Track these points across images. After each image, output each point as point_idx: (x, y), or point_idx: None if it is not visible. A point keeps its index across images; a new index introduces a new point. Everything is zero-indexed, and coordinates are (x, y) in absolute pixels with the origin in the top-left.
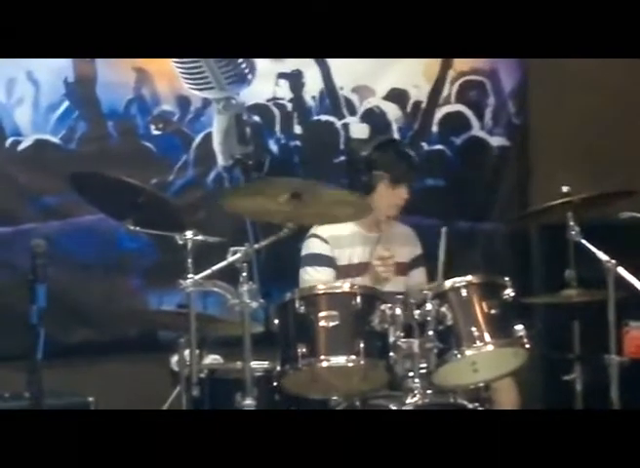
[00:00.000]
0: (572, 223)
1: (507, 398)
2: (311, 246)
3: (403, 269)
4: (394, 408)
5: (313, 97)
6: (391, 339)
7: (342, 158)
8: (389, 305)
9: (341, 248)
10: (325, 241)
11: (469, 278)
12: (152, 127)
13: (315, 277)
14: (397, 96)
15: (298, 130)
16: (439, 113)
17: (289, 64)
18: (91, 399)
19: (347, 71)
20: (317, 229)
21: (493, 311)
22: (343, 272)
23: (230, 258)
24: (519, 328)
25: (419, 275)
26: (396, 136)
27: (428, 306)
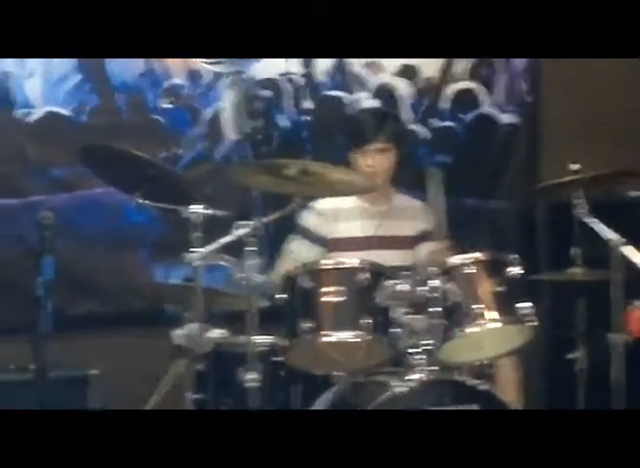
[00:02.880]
0: (580, 201)
1: (508, 376)
2: (305, 218)
3: (408, 243)
4: (398, 383)
5: (324, 73)
6: (396, 315)
7: None
8: (395, 281)
9: (341, 221)
10: (320, 214)
11: (476, 255)
12: (162, 100)
13: (294, 249)
14: (408, 71)
15: (308, 105)
16: (449, 89)
17: None
18: (96, 371)
19: None
20: (316, 202)
21: (499, 288)
22: (342, 246)
23: (237, 233)
24: (524, 305)
25: (425, 249)
26: (406, 112)
27: (434, 283)
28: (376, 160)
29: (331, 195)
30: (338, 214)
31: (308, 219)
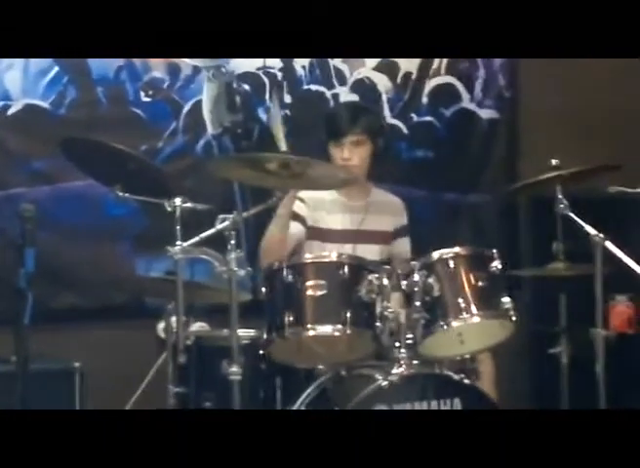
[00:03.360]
0: (560, 197)
1: (489, 370)
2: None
3: (386, 238)
4: (380, 377)
5: (303, 67)
6: (378, 309)
7: None
8: (377, 275)
9: (321, 211)
10: (303, 201)
11: (457, 249)
12: (142, 93)
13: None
14: (387, 66)
15: (287, 99)
16: (429, 85)
17: None
18: (77, 364)
19: None
20: (301, 192)
21: (480, 283)
22: (322, 236)
23: (219, 226)
24: (506, 300)
25: (402, 245)
26: (386, 107)
27: (415, 277)
28: (351, 152)
29: (311, 188)
30: (319, 204)
31: (295, 205)
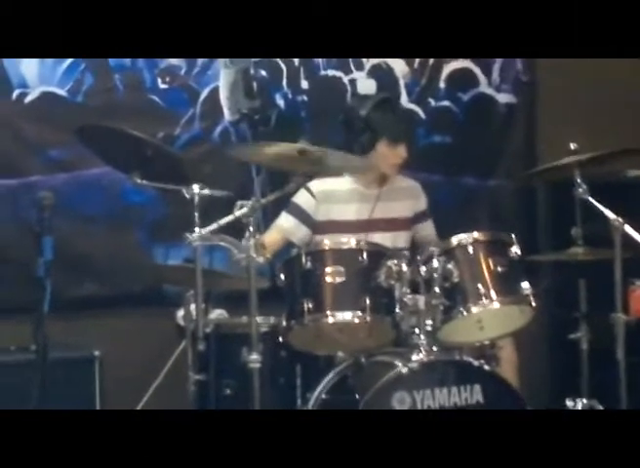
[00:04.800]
0: (579, 181)
1: (509, 356)
2: (298, 195)
3: (406, 224)
4: (399, 364)
5: None
6: (397, 296)
7: None
8: (395, 261)
9: (334, 203)
10: (312, 195)
11: (476, 235)
12: (159, 80)
13: (281, 223)
14: None
15: (305, 85)
16: (446, 69)
17: None
18: (97, 352)
19: None
20: (312, 183)
21: (499, 268)
22: (336, 228)
23: (237, 213)
24: (525, 285)
25: (426, 228)
26: (403, 92)
27: (435, 263)
28: (404, 152)
29: (332, 173)
30: (332, 196)
31: (301, 198)
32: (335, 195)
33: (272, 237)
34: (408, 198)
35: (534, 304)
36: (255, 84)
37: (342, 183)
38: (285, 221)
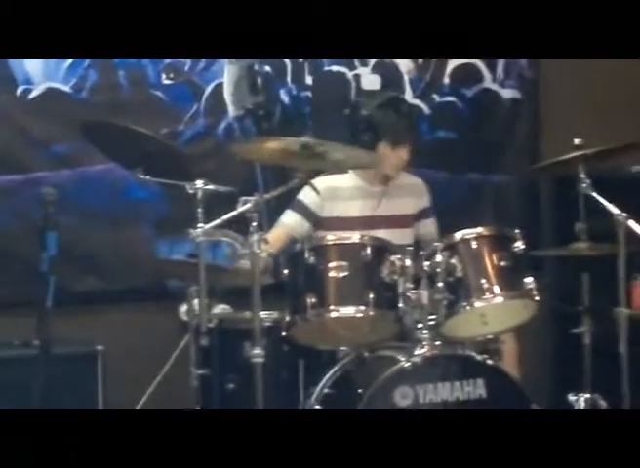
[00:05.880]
0: (583, 176)
1: (513, 350)
2: (302, 193)
3: (409, 221)
4: (402, 358)
5: None
6: (400, 290)
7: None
8: (399, 256)
9: (339, 200)
10: (317, 192)
11: (479, 230)
12: (163, 76)
13: (285, 220)
14: None
15: (309, 80)
16: (451, 65)
17: None
18: (100, 347)
19: None
20: (317, 179)
21: (502, 263)
22: (340, 225)
23: (240, 208)
24: (529, 280)
25: (428, 226)
26: (408, 87)
27: (438, 258)
28: (406, 154)
29: (336, 169)
30: (336, 193)
31: (305, 195)
32: (339, 192)
33: (276, 233)
34: (411, 195)
35: (537, 299)
36: (259, 80)
37: (347, 180)
38: (289, 218)
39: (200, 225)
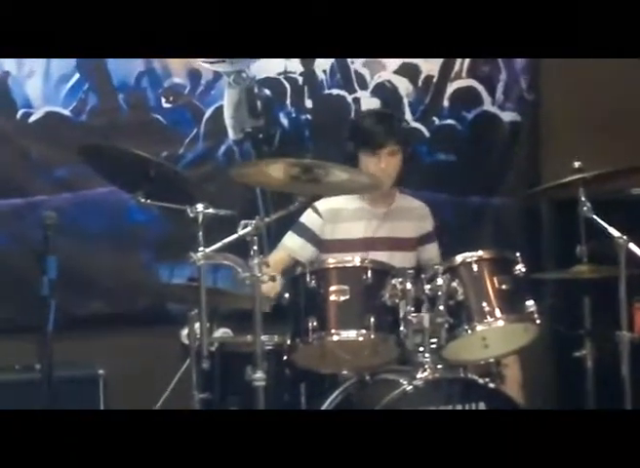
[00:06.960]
0: (583, 199)
1: (515, 374)
2: (305, 215)
3: (411, 245)
4: (404, 382)
5: (324, 71)
6: (402, 314)
7: None
8: (400, 280)
9: (341, 222)
10: (319, 214)
11: (480, 253)
12: (163, 99)
13: (287, 243)
14: (408, 70)
15: (308, 104)
16: (450, 88)
17: None
18: (101, 371)
19: None
20: (319, 201)
21: (504, 286)
22: (341, 247)
23: (241, 231)
24: (530, 303)
25: (430, 251)
26: (407, 110)
27: (439, 281)
28: (388, 162)
29: (335, 193)
30: (339, 215)
31: (308, 218)
32: (342, 213)
33: (278, 256)
34: (414, 219)
35: (538, 322)
36: (259, 103)
37: (349, 202)
38: (290, 241)
39: (201, 249)
